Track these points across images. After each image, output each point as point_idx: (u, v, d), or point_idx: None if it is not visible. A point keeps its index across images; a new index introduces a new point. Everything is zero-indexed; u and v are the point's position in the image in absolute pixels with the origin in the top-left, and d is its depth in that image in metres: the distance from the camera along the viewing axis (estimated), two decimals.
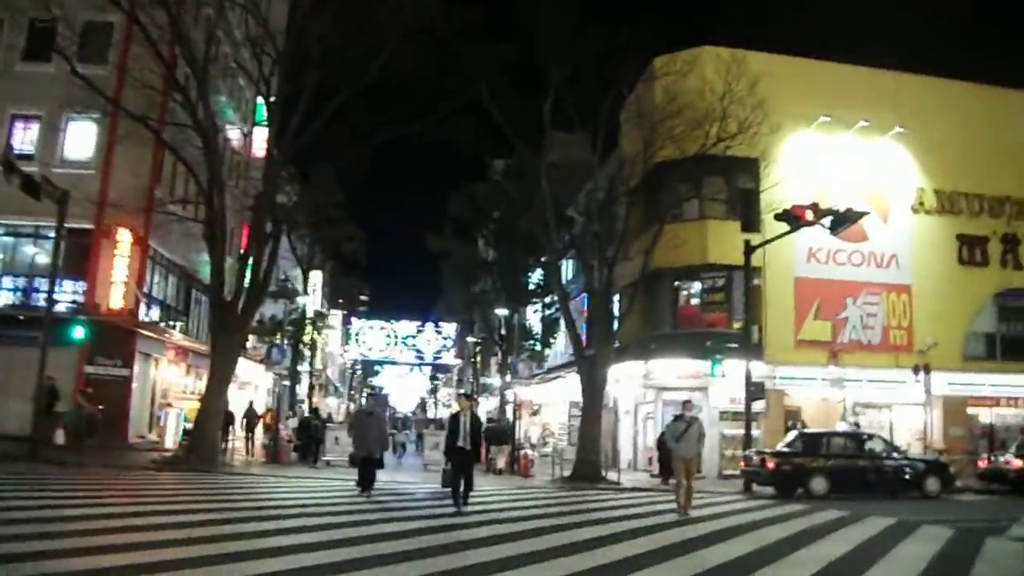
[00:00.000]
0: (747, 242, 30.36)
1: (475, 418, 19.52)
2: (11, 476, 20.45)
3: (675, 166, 33.57)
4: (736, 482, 30.36)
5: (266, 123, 32.32)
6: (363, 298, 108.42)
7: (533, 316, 54.00)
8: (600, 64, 31.08)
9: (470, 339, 75.53)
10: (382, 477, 23.44)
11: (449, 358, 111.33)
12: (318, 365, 67.26)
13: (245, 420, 38.80)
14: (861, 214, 28.70)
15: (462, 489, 18.35)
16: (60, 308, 32.05)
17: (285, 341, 42.86)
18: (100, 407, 30.79)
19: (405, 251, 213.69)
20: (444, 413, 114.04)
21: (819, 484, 26.88)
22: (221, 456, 30.28)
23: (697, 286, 37.56)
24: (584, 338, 35.34)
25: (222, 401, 29.63)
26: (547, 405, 55.06)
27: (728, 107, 31.16)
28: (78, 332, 32.19)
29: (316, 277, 67.03)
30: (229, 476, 25.80)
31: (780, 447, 28.80)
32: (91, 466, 24.90)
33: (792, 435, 29.96)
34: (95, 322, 32.71)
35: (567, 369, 46.89)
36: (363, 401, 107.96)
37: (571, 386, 44.60)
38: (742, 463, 29.27)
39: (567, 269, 47.29)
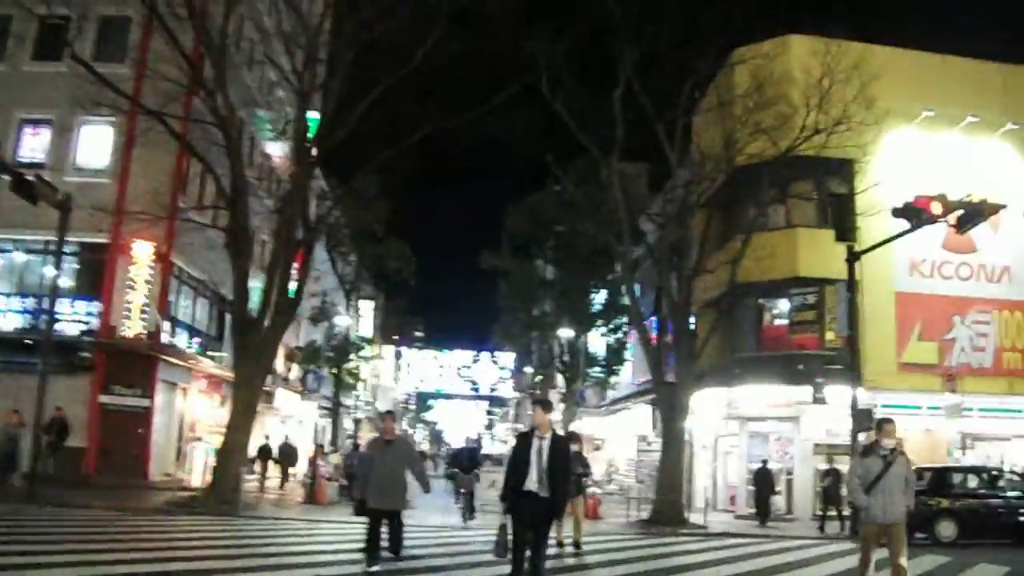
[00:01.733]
0: (851, 247, 26.60)
1: (559, 443, 11.17)
2: None
3: (760, 168, 29.67)
4: (835, 524, 26.51)
5: (296, 114, 28.94)
6: (417, 334, 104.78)
7: (596, 342, 50.16)
8: (676, 49, 27.45)
9: (528, 369, 72.02)
10: (431, 521, 19.62)
11: (506, 390, 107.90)
12: (367, 397, 63.81)
13: (280, 456, 35.42)
14: (998, 207, 24.23)
15: (528, 560, 10.83)
16: (72, 331, 29.29)
17: (325, 369, 39.28)
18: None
19: (459, 275, 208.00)
20: (501, 449, 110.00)
21: (947, 528, 22.73)
22: (251, 496, 26.80)
23: (784, 303, 33.33)
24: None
25: (246, 435, 26.00)
26: (610, 440, 51.09)
27: (828, 90, 27.36)
28: (88, 357, 28.91)
29: (366, 307, 64.03)
30: (247, 520, 22.22)
31: None
32: (95, 508, 21.59)
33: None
34: (110, 347, 29.40)
35: (634, 399, 43.37)
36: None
37: (637, 418, 40.88)
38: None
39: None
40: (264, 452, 35.07)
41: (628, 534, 23.93)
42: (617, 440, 48.68)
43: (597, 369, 48.53)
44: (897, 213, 23.70)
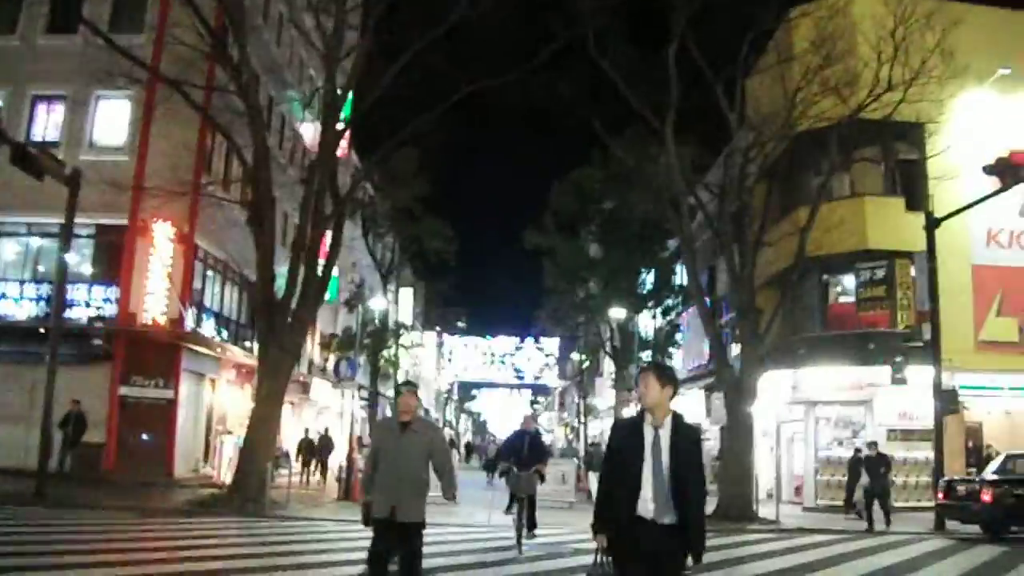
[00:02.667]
0: (930, 214, 24.31)
1: (686, 434, 6.54)
2: None
3: (823, 133, 27.37)
4: (914, 517, 24.57)
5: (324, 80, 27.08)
6: (460, 324, 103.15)
7: (647, 325, 48.05)
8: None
9: (575, 356, 70.01)
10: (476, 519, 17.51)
11: (550, 378, 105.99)
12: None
13: (319, 450, 34.49)
14: None
15: None
16: (87, 319, 27.86)
17: (360, 356, 37.31)
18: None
19: (502, 258, 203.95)
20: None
21: None
22: (281, 493, 24.81)
23: (850, 278, 30.94)
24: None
25: (274, 427, 24.15)
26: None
27: (903, 41, 24.96)
28: (104, 346, 27.43)
29: (405, 295, 62.39)
30: (273, 520, 20.38)
31: (988, 474, 22.13)
32: (108, 508, 19.70)
33: (1000, 459, 23.16)
34: (131, 335, 27.80)
35: (687, 385, 41.12)
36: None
37: (690, 405, 38.71)
38: (940, 494, 22.62)
39: (680, 275, 42.85)
40: (306, 446, 33.76)
41: None
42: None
43: (648, 353, 46.41)
44: (989, 170, 21.75)
